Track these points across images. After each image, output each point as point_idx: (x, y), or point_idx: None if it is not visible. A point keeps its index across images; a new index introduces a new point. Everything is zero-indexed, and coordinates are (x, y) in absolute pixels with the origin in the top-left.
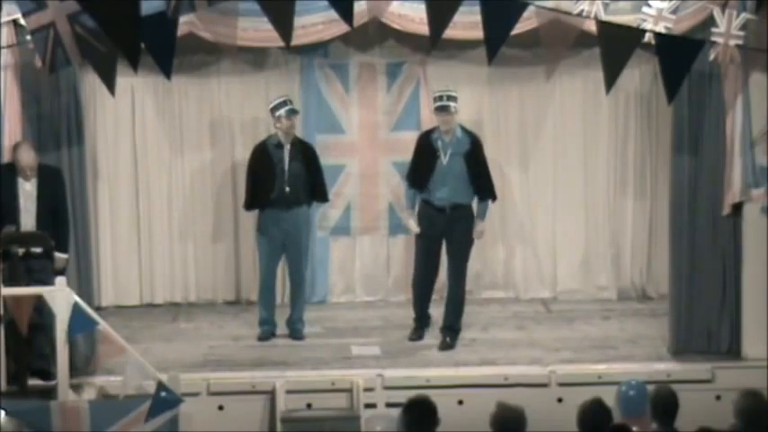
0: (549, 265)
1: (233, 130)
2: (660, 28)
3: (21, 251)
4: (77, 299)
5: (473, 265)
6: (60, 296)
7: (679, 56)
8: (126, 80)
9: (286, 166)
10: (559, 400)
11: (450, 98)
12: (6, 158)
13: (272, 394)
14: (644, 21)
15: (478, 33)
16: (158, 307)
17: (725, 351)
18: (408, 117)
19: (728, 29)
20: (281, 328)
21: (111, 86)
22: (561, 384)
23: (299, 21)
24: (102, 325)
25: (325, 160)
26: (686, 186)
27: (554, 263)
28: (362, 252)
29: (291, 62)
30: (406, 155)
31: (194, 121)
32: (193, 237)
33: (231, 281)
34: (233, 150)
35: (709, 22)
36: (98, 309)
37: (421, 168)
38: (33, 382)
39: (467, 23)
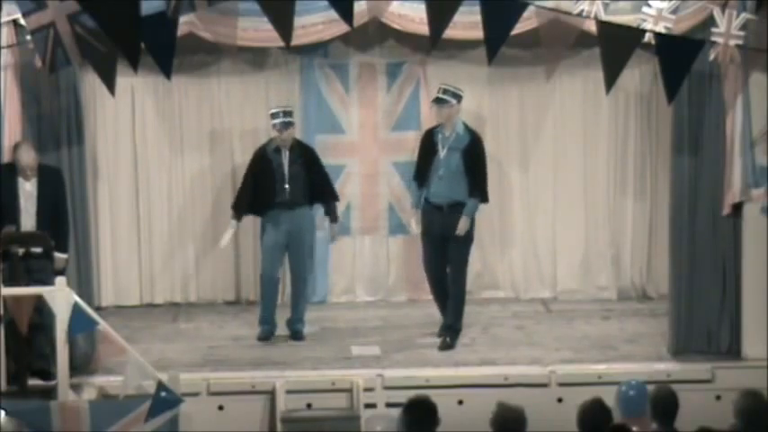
0: (549, 265)
1: (233, 130)
2: (660, 28)
3: (20, 251)
4: (77, 299)
5: (473, 264)
6: (60, 296)
7: (679, 56)
8: (126, 80)
9: (286, 170)
10: (559, 400)
11: (447, 92)
12: (6, 158)
13: (272, 394)
14: (644, 21)
15: (478, 33)
16: (158, 307)
17: (725, 351)
18: (408, 117)
19: (728, 29)
20: (281, 329)
21: (111, 86)
22: (561, 384)
23: (299, 21)
24: (102, 325)
25: (325, 160)
26: (686, 186)
27: (554, 263)
28: (362, 252)
29: (291, 62)
30: (406, 155)
31: (194, 121)
32: (193, 237)
33: (231, 281)
34: (233, 150)
35: (709, 22)
36: (98, 309)
37: (422, 163)
38: (33, 382)
39: (467, 23)
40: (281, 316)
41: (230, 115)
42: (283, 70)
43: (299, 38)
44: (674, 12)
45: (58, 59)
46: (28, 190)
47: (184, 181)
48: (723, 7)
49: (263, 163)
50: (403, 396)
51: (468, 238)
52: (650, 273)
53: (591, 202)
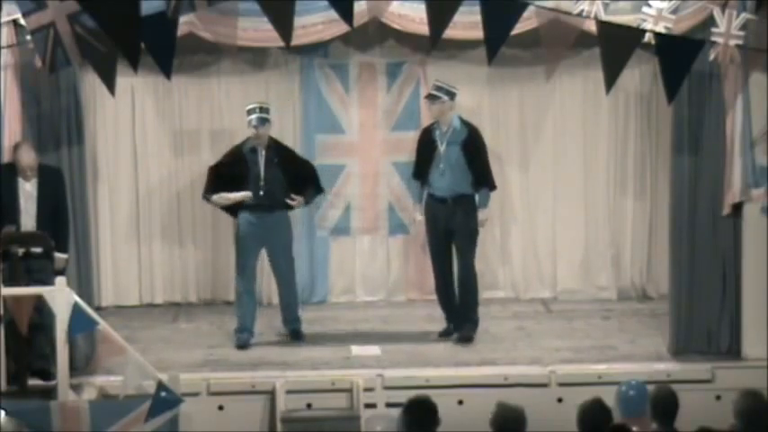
0: (549, 265)
1: (233, 130)
2: (660, 28)
3: (20, 251)
4: (77, 299)
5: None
6: (60, 296)
7: (679, 56)
8: (126, 80)
9: (262, 171)
10: (559, 400)
11: (440, 89)
12: (6, 158)
13: (272, 394)
14: (644, 21)
15: (478, 33)
16: (158, 307)
17: (725, 351)
18: (408, 117)
19: (728, 29)
20: (277, 330)
21: (111, 86)
22: (561, 384)
23: (299, 21)
24: (102, 325)
25: (325, 160)
26: (686, 186)
27: (554, 263)
28: (362, 252)
29: (291, 62)
30: (406, 155)
31: (194, 121)
32: (193, 237)
33: (231, 281)
34: None
35: (709, 22)
36: (98, 309)
37: (421, 160)
38: (33, 382)
39: (467, 23)
40: (273, 320)
41: (230, 115)
42: (283, 70)
43: (299, 38)
44: (674, 12)
45: (58, 59)
46: (28, 190)
47: (184, 181)
48: (723, 7)
49: (238, 163)
50: (403, 396)
51: (474, 229)
52: (650, 273)
53: (591, 202)
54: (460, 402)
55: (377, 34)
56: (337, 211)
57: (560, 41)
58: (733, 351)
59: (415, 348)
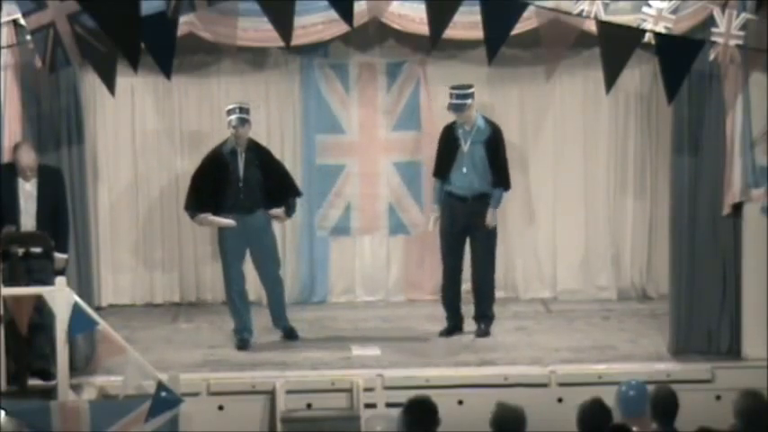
0: (549, 265)
1: None
2: (660, 28)
3: (20, 251)
4: (77, 299)
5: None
6: (60, 296)
7: (679, 56)
8: (126, 80)
9: (241, 174)
10: (559, 400)
11: (460, 96)
12: (6, 158)
13: (272, 394)
14: (644, 21)
15: (478, 33)
16: (158, 307)
17: (725, 351)
18: (408, 117)
19: (728, 29)
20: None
21: (111, 86)
22: (561, 384)
23: (299, 21)
24: (102, 325)
25: (326, 160)
26: (686, 186)
27: (554, 263)
28: (362, 252)
29: (291, 62)
30: (407, 155)
31: (194, 121)
32: (193, 237)
33: None
34: None
35: (709, 22)
36: (98, 309)
37: (444, 157)
38: (33, 382)
39: (467, 23)
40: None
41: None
42: (283, 70)
43: (298, 38)
44: (674, 12)
45: (58, 59)
46: (28, 190)
47: (184, 181)
48: (723, 7)
49: (217, 166)
50: (403, 396)
51: (493, 230)
52: (650, 273)
53: (591, 202)
54: (460, 402)
55: (377, 34)
56: (337, 211)
57: (560, 41)
58: (733, 351)
59: (415, 348)
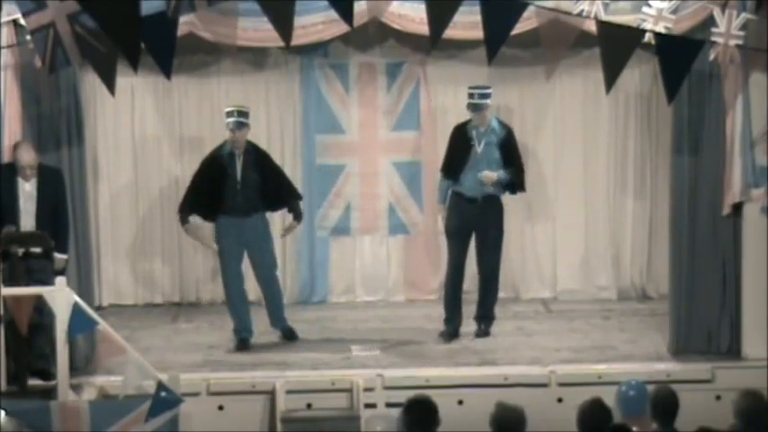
0: (549, 265)
1: None
2: (660, 28)
3: (20, 251)
4: (77, 299)
5: (471, 265)
6: (60, 296)
7: (679, 56)
8: (126, 80)
9: (239, 176)
10: (559, 400)
11: (482, 96)
12: (6, 158)
13: (272, 394)
14: (644, 21)
15: (478, 33)
16: (158, 307)
17: (725, 351)
18: (408, 117)
19: (728, 29)
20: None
21: (111, 86)
22: (561, 384)
23: (299, 21)
24: (102, 325)
25: (326, 160)
26: (686, 186)
27: (554, 263)
28: (362, 252)
29: (291, 62)
30: (407, 155)
31: (194, 121)
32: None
33: None
34: None
35: (709, 22)
36: (98, 309)
37: (455, 158)
38: (33, 382)
39: (467, 23)
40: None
41: None
42: (283, 70)
43: (298, 38)
44: (674, 12)
45: (58, 59)
46: (27, 190)
47: (184, 181)
48: (723, 7)
49: (215, 168)
50: (403, 396)
51: (502, 229)
52: (650, 273)
53: (591, 202)
54: (460, 402)
55: (377, 34)
56: (337, 211)
57: (560, 41)
58: (733, 351)
59: (415, 348)
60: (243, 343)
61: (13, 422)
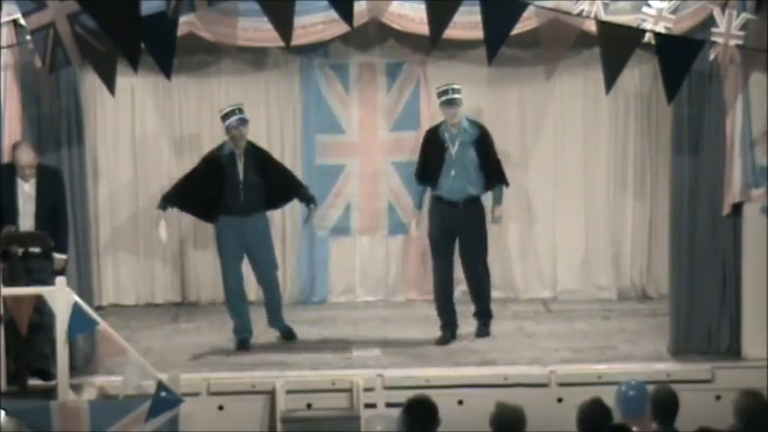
0: (549, 265)
1: None
2: (660, 28)
3: (20, 251)
4: (77, 299)
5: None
6: (60, 296)
7: (679, 56)
8: (126, 80)
9: (241, 177)
10: (559, 400)
11: (454, 91)
12: (6, 159)
13: (272, 394)
14: (644, 21)
15: (478, 33)
16: (158, 307)
17: (725, 351)
18: (408, 117)
19: (728, 29)
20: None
21: (111, 86)
22: (561, 384)
23: (299, 21)
24: (102, 325)
25: (326, 160)
26: (686, 186)
27: (554, 263)
28: (362, 252)
29: (291, 62)
30: (406, 155)
31: (194, 121)
32: (194, 237)
33: None
34: None
35: (709, 22)
36: (98, 309)
37: (430, 162)
38: (33, 382)
39: (467, 23)
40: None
41: None
42: (283, 70)
43: (298, 38)
44: (674, 12)
45: (58, 59)
46: (27, 191)
47: None
48: (723, 7)
49: (215, 168)
50: (403, 396)
51: (483, 232)
52: (650, 273)
53: (591, 202)
54: (460, 402)
55: (377, 34)
56: (337, 211)
57: (560, 41)
58: (733, 351)
59: (414, 348)
60: (242, 343)
61: (13, 422)
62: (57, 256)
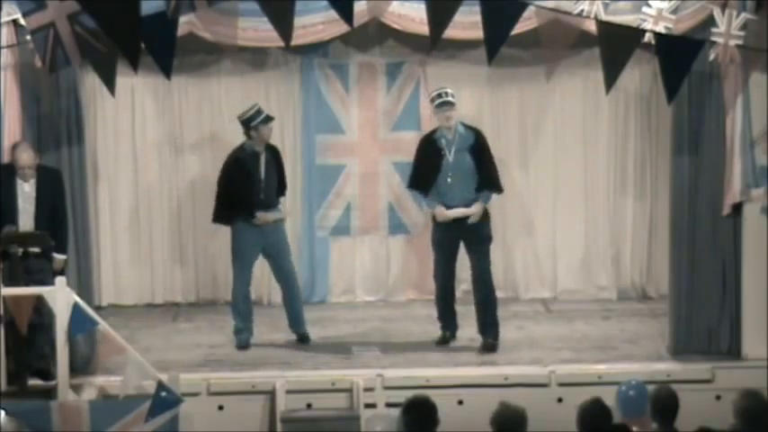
0: (549, 265)
1: (233, 130)
2: (660, 28)
3: (19, 251)
4: (77, 299)
5: (466, 269)
6: (60, 296)
7: (679, 56)
8: (126, 80)
9: (262, 175)
10: (559, 400)
11: (447, 94)
12: (6, 159)
13: (272, 394)
14: (644, 21)
15: (478, 33)
16: (158, 307)
17: (725, 351)
18: (408, 117)
19: (728, 29)
20: (281, 331)
21: (111, 86)
22: (561, 384)
23: (299, 21)
24: (102, 325)
25: (326, 160)
26: (686, 186)
27: (554, 263)
28: (362, 252)
29: (291, 62)
30: (406, 155)
31: (194, 121)
32: (193, 236)
33: (231, 281)
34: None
35: (709, 22)
36: (98, 309)
37: (426, 169)
38: (33, 382)
39: (467, 23)
40: (275, 320)
41: (230, 115)
42: (283, 70)
43: (298, 38)
44: (674, 12)
45: (58, 59)
46: (26, 191)
47: (184, 181)
48: (723, 7)
49: (240, 170)
50: (403, 396)
51: (488, 236)
52: (650, 273)
53: (591, 202)
54: (460, 402)
55: (377, 34)
56: (337, 211)
57: (560, 41)
58: (733, 351)
59: (414, 348)
60: (243, 343)
61: (13, 422)
62: (56, 256)
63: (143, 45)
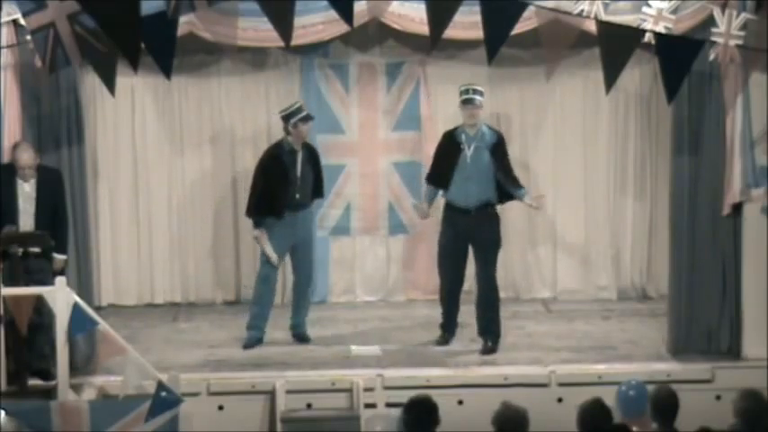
0: (549, 264)
1: (233, 130)
2: (660, 28)
3: (19, 251)
4: (77, 299)
5: (473, 265)
6: (60, 296)
7: (679, 56)
8: (126, 80)
9: (299, 173)
10: (559, 400)
11: (475, 92)
12: (6, 159)
13: (272, 394)
14: (644, 21)
15: (478, 33)
16: (158, 307)
17: (725, 351)
18: (408, 117)
19: (728, 29)
20: (280, 331)
21: (111, 86)
22: (561, 384)
23: (299, 21)
24: (102, 325)
25: (326, 160)
26: (686, 186)
27: (554, 263)
28: (362, 252)
29: (291, 62)
30: (407, 155)
31: (194, 121)
32: (193, 236)
33: (231, 281)
34: (233, 150)
35: (709, 22)
36: (98, 309)
37: (444, 163)
38: (33, 382)
39: (467, 23)
40: (276, 319)
41: (230, 115)
42: (283, 70)
43: (298, 38)
44: (674, 12)
45: (58, 59)
46: (27, 191)
47: (184, 181)
48: (723, 7)
49: (277, 166)
50: (403, 396)
51: (497, 240)
52: (650, 273)
53: (591, 202)
54: (460, 402)
55: (377, 34)
56: (337, 211)
57: (560, 41)
58: (733, 351)
59: (415, 348)
60: (254, 341)
61: (13, 422)
62: (56, 256)
63: (143, 45)
